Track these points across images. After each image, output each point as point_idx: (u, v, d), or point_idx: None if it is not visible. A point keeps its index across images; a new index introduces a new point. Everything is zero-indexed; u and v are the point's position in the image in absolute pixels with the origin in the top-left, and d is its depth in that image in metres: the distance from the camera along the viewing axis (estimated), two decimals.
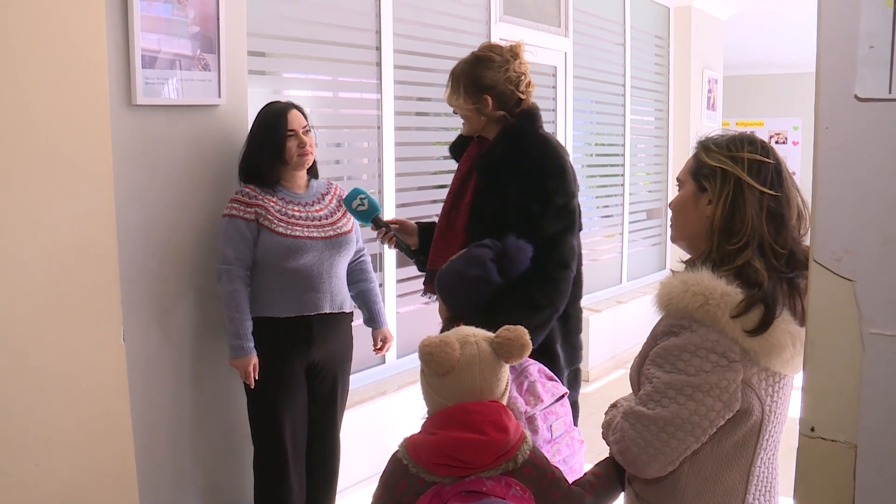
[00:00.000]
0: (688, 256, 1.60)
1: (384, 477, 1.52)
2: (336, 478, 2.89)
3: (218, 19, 2.68)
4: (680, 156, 6.77)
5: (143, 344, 2.60)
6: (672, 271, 1.57)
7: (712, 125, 7.22)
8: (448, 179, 4.16)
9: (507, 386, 1.54)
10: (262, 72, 3.20)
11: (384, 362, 3.90)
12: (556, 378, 1.91)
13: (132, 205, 2.54)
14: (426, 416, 1.55)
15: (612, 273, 6.15)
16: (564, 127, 5.21)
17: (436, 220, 2.55)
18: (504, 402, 1.53)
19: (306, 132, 2.67)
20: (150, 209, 2.61)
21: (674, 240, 1.61)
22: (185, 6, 2.59)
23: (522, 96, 2.33)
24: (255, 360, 2.60)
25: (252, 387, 2.62)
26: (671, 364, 1.43)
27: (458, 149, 2.52)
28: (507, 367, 1.53)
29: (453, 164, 4.09)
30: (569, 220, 2.23)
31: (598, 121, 5.78)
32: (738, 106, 10.55)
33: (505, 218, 2.23)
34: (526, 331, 1.51)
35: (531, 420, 1.75)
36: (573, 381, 2.25)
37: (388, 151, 3.79)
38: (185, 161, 2.70)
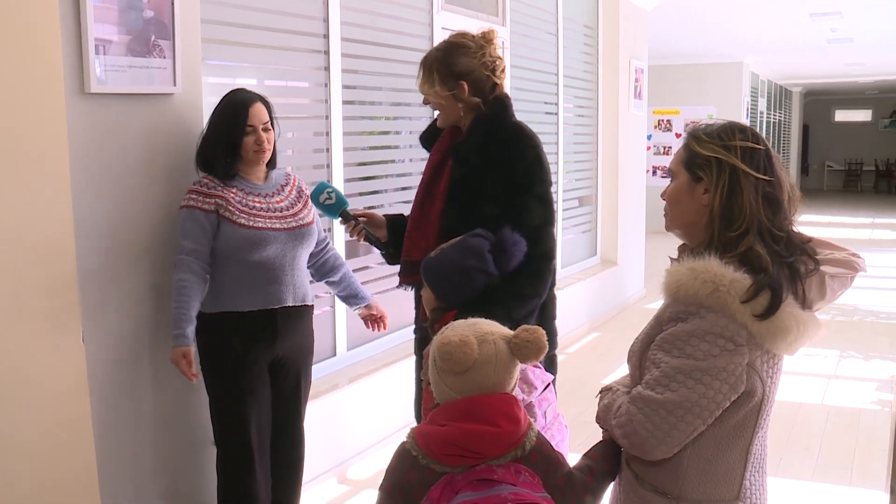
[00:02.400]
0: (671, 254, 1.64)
1: (391, 468, 1.52)
2: (301, 472, 2.87)
3: (172, 4, 2.61)
4: (609, 144, 6.95)
5: (101, 345, 2.52)
6: (671, 259, 1.61)
7: (639, 113, 7.42)
8: (398, 169, 4.23)
9: (516, 381, 1.57)
10: (206, 59, 3.11)
11: (335, 355, 3.87)
12: (540, 365, 1.95)
13: (87, 198, 2.46)
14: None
15: None
16: None
17: (402, 212, 2.54)
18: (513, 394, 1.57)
19: (266, 128, 2.63)
20: (106, 203, 2.52)
21: (669, 229, 1.66)
22: None
23: (498, 81, 2.35)
24: (186, 350, 2.49)
25: (191, 381, 2.54)
26: (679, 349, 1.48)
27: (429, 138, 2.52)
28: (519, 365, 1.56)
29: (404, 153, 4.09)
30: (548, 209, 2.28)
31: (532, 109, 5.87)
32: (656, 95, 10.86)
33: (482, 206, 2.25)
34: (544, 332, 1.54)
35: (529, 408, 1.79)
36: (549, 367, 2.29)
37: (337, 141, 3.75)
38: (141, 152, 2.62)
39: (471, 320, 1.57)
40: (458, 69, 2.31)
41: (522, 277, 2.16)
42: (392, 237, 2.53)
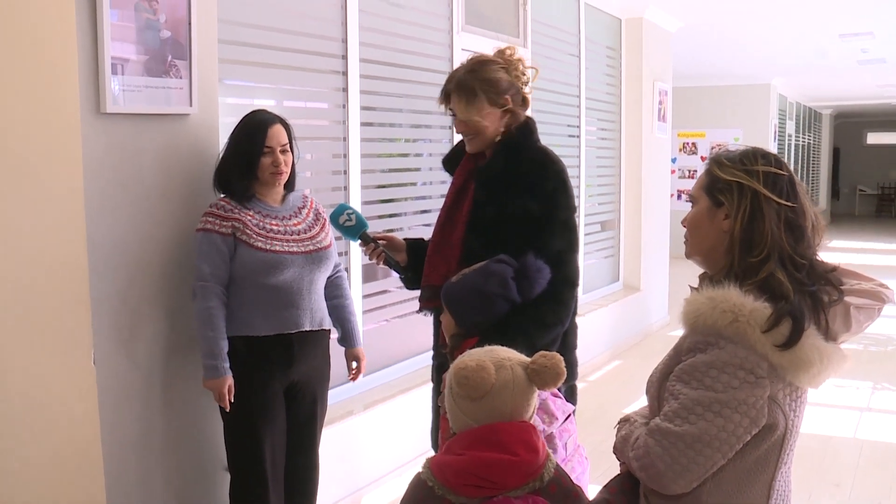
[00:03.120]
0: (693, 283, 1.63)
1: (407, 499, 1.51)
2: (315, 500, 2.85)
3: (189, 24, 2.64)
4: (632, 167, 6.92)
5: (112, 367, 2.52)
6: (692, 288, 1.59)
7: (663, 136, 7.40)
8: (418, 192, 4.24)
9: (534, 409, 1.57)
10: (224, 80, 3.14)
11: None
12: (560, 395, 1.93)
13: (102, 219, 2.47)
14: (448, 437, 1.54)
15: None
16: None
17: (423, 235, 2.57)
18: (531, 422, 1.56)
19: (284, 150, 2.64)
20: (120, 224, 2.54)
21: (689, 256, 1.64)
22: (156, 10, 2.53)
23: (527, 96, 2.43)
24: (230, 381, 2.55)
25: (227, 409, 2.57)
26: (698, 381, 1.46)
27: (451, 162, 2.54)
28: (537, 392, 1.56)
29: (424, 176, 4.10)
30: (572, 236, 2.30)
31: (554, 132, 5.87)
32: (680, 117, 10.85)
33: (505, 231, 2.27)
34: (561, 358, 1.54)
35: (549, 439, 1.77)
36: (570, 397, 2.27)
37: (355, 163, 3.77)
38: (157, 173, 2.64)
39: (489, 347, 1.58)
40: (501, 85, 2.35)
41: (545, 304, 2.16)
42: (412, 261, 2.54)
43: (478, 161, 2.42)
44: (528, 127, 2.39)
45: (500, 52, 2.43)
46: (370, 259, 2.58)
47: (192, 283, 2.60)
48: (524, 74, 2.41)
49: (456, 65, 4.31)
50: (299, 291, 2.65)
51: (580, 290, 6.21)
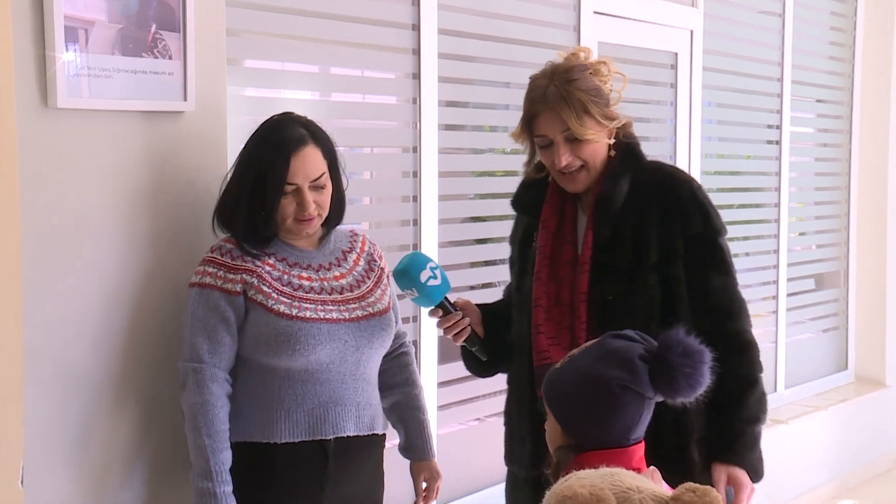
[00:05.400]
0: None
1: None
2: None
3: None
4: (872, 189, 6.72)
5: (51, 493, 2.55)
6: None
7: None
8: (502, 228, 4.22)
9: None
10: (236, 61, 3.20)
11: None
12: None
13: (50, 267, 2.51)
14: None
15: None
16: (689, 144, 5.22)
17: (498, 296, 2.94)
18: None
19: (318, 186, 2.64)
20: (73, 278, 2.56)
21: None
22: None
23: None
24: None
25: None
26: None
27: (527, 201, 2.86)
28: None
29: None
30: (733, 267, 2.73)
31: (735, 135, 5.81)
32: None
33: (645, 275, 2.66)
34: (718, 496, 1.61)
35: None
36: None
37: (429, 185, 3.77)
38: (133, 202, 2.67)
39: (610, 469, 1.63)
40: (605, 94, 2.67)
41: (737, 358, 2.62)
42: (489, 336, 2.81)
43: (564, 193, 2.75)
44: (636, 140, 2.76)
45: (574, 56, 2.71)
46: (446, 334, 2.74)
47: (179, 364, 2.61)
48: (609, 81, 2.72)
49: (585, 42, 4.33)
50: (341, 378, 2.66)
51: (780, 381, 6.12)
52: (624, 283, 2.63)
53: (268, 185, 2.58)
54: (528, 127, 2.69)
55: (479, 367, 2.90)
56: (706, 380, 2.09)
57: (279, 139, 2.61)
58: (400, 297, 2.85)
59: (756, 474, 2.64)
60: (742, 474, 2.59)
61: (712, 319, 2.62)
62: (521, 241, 2.88)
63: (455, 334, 2.72)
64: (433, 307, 2.72)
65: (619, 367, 2.04)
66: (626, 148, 2.72)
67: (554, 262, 2.72)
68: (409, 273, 2.65)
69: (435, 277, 2.66)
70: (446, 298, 2.71)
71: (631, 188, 2.68)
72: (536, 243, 2.77)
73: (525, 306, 2.75)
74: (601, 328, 2.50)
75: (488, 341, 2.81)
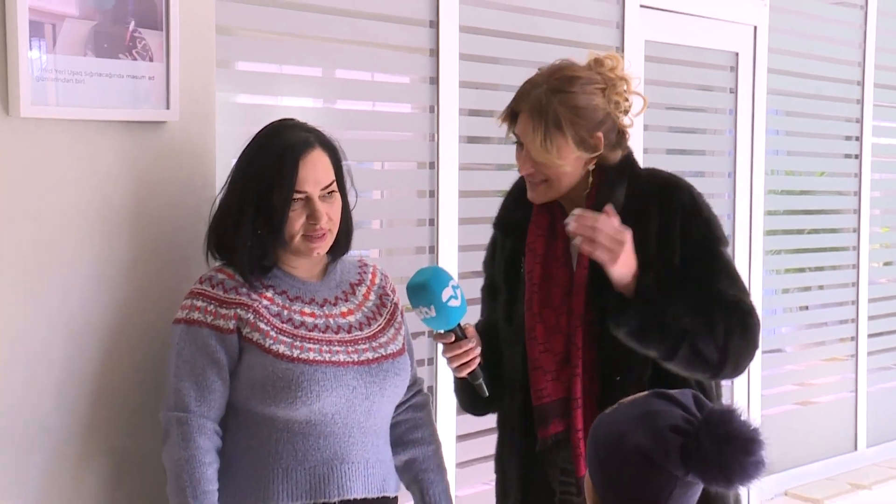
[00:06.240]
0: None
1: None
2: None
3: None
4: None
5: None
6: None
7: None
8: None
9: None
10: (227, 63, 3.21)
11: None
12: None
13: (14, 306, 2.52)
14: None
15: (837, 431, 6.10)
16: (751, 158, 5.22)
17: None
18: None
19: (328, 193, 2.64)
20: (33, 311, 2.58)
21: None
22: None
23: (626, 129, 2.77)
24: None
25: None
26: None
27: (513, 221, 2.89)
28: None
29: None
30: (741, 280, 2.76)
31: (805, 148, 5.81)
32: None
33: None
34: None
35: None
36: None
37: (448, 206, 3.77)
38: (109, 220, 2.68)
39: None
40: (597, 116, 2.67)
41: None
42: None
43: (554, 210, 2.78)
44: (630, 154, 2.79)
45: (598, 63, 2.72)
46: (452, 365, 2.70)
47: (161, 413, 2.60)
48: (626, 101, 2.73)
49: (630, 40, 4.33)
50: (348, 430, 2.65)
51: (861, 439, 6.10)
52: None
53: (274, 196, 2.57)
54: (511, 120, 2.79)
55: (476, 403, 2.88)
56: (750, 475, 1.94)
57: (283, 144, 2.60)
58: (407, 308, 2.82)
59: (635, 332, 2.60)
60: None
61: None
62: (508, 268, 2.89)
63: (461, 364, 2.68)
64: (445, 331, 2.68)
65: (645, 434, 1.96)
66: (614, 173, 2.75)
67: (545, 288, 2.75)
68: (429, 288, 2.62)
69: (456, 298, 2.64)
70: (460, 326, 2.69)
71: (627, 197, 2.72)
72: (524, 269, 2.80)
73: (518, 339, 2.78)
74: (601, 355, 2.66)
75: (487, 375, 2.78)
